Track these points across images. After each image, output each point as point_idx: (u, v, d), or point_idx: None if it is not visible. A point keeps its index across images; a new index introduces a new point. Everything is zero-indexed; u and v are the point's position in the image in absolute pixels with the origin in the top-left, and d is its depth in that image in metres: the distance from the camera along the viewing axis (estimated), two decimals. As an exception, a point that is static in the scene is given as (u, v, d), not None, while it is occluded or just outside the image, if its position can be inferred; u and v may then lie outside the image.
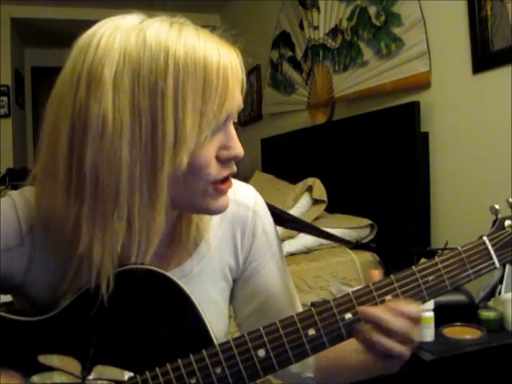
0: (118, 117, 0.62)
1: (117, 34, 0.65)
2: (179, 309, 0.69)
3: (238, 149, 0.70)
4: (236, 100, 0.69)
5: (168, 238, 0.72)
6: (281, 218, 0.85)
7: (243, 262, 0.83)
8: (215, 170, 0.68)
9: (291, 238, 2.60)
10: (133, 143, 0.63)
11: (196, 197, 0.69)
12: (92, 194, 0.64)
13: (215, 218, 0.80)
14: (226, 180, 0.71)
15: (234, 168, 0.72)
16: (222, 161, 0.69)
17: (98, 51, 0.64)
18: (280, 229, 2.71)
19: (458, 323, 1.56)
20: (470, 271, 0.74)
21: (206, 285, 0.79)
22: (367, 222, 2.57)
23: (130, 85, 0.62)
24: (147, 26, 0.65)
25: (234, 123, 0.71)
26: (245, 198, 0.83)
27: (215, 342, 0.68)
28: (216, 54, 0.65)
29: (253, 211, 0.83)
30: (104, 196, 0.64)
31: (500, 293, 1.67)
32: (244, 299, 0.85)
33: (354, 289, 0.72)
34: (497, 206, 0.78)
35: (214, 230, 0.80)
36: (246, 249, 0.82)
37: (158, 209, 0.65)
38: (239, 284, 0.85)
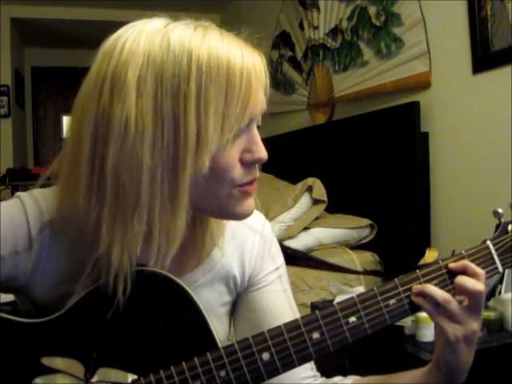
0: (140, 119, 0.62)
1: (141, 38, 0.65)
2: (184, 313, 0.69)
3: (261, 152, 0.70)
4: (259, 103, 0.69)
5: (182, 243, 0.72)
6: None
7: (248, 279, 0.83)
8: (239, 174, 0.68)
9: (291, 237, 2.60)
10: (155, 146, 0.63)
11: (221, 200, 0.69)
12: (113, 196, 0.64)
13: (227, 235, 0.81)
14: (251, 182, 0.71)
15: (257, 173, 0.71)
16: (246, 164, 0.69)
17: (122, 55, 0.64)
18: (279, 227, 2.72)
19: (458, 323, 1.56)
20: None
21: (211, 295, 0.80)
22: (367, 222, 2.57)
23: (153, 88, 0.63)
24: (171, 30, 0.66)
25: (258, 126, 0.71)
26: (254, 223, 0.84)
27: (219, 345, 0.68)
28: (240, 58, 0.65)
29: (260, 235, 0.84)
30: (124, 199, 0.64)
31: (500, 293, 1.67)
32: (244, 314, 0.84)
33: (358, 292, 0.72)
34: (500, 210, 0.78)
35: (225, 245, 0.80)
36: (252, 268, 0.83)
37: (178, 213, 0.65)
38: (242, 299, 0.84)
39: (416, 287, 0.72)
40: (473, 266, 0.73)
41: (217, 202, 0.70)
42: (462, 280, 0.72)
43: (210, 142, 0.64)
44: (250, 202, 0.72)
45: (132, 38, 0.65)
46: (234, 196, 0.69)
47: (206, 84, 0.63)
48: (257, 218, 0.85)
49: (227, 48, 0.65)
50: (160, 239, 0.66)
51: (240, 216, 0.73)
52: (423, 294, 0.72)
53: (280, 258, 0.87)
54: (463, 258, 0.75)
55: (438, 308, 0.72)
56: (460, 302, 0.72)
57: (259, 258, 0.83)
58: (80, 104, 0.67)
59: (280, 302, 0.84)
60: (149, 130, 0.63)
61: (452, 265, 0.74)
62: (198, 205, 0.68)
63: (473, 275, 0.72)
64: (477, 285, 0.71)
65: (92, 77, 0.67)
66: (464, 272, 0.73)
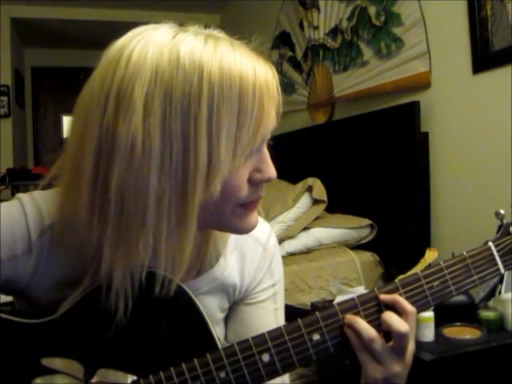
0: (147, 141, 0.59)
1: (149, 50, 0.61)
2: (185, 315, 0.69)
3: (271, 172, 0.67)
4: (271, 123, 0.66)
5: None
6: None
7: (245, 290, 0.82)
8: (246, 193, 0.66)
9: (291, 237, 2.60)
10: (162, 169, 0.60)
11: (224, 218, 0.67)
12: (116, 218, 0.61)
13: (230, 245, 0.80)
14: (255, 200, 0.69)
15: (263, 191, 0.69)
16: (255, 183, 0.67)
17: (128, 68, 0.60)
18: (279, 227, 2.72)
19: (458, 323, 1.56)
20: (475, 277, 0.74)
21: (212, 302, 0.79)
22: (367, 221, 2.57)
23: (162, 107, 0.59)
24: (180, 42, 0.62)
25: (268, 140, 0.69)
26: (259, 234, 0.82)
27: (219, 346, 0.68)
28: (252, 75, 0.62)
29: (264, 248, 0.82)
30: (129, 222, 0.61)
31: (500, 293, 1.67)
32: (231, 323, 0.84)
33: (359, 293, 0.72)
34: (502, 211, 0.78)
35: (228, 255, 0.79)
36: (250, 280, 0.82)
37: (186, 238, 0.63)
38: (233, 308, 0.84)
39: (348, 317, 0.69)
40: (403, 303, 0.69)
41: (220, 220, 0.68)
42: (387, 317, 0.68)
43: (222, 166, 0.61)
44: (253, 218, 0.70)
45: (139, 50, 0.61)
46: (236, 214, 0.68)
47: (219, 105, 0.60)
48: (263, 230, 0.83)
49: (239, 64, 0.62)
50: (166, 265, 0.64)
51: (244, 231, 0.71)
52: (352, 328, 0.68)
53: (279, 273, 0.86)
54: (465, 259, 0.74)
55: (363, 344, 0.68)
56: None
57: (258, 271, 0.82)
58: (82, 114, 0.64)
59: (268, 322, 0.83)
60: (156, 151, 0.59)
61: (383, 297, 0.70)
62: (202, 224, 0.66)
63: (401, 313, 0.69)
64: (401, 325, 0.67)
65: (95, 87, 0.63)
66: (393, 307, 0.70)
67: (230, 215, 0.67)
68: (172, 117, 0.59)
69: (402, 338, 0.67)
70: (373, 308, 0.70)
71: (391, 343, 0.68)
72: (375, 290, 0.71)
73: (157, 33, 0.63)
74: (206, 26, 0.67)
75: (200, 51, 0.61)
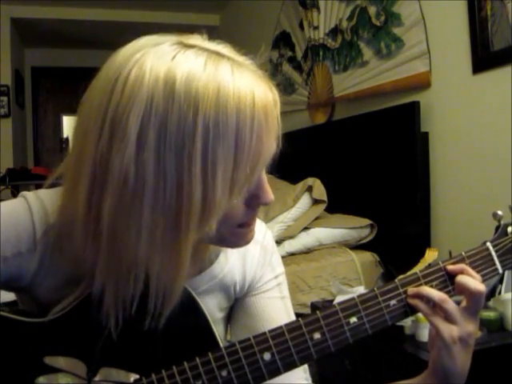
0: (140, 175, 0.57)
1: (145, 75, 0.58)
2: (187, 314, 0.69)
3: (268, 197, 0.66)
4: (270, 152, 0.64)
5: None
6: None
7: (247, 287, 0.83)
8: (242, 216, 0.66)
9: (291, 237, 2.60)
10: (155, 204, 0.58)
11: (222, 237, 0.67)
12: (108, 248, 0.61)
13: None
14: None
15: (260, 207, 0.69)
16: (251, 207, 0.66)
17: (124, 94, 0.58)
18: (279, 227, 2.72)
19: (458, 323, 1.56)
20: None
21: (211, 301, 0.80)
22: (367, 221, 2.58)
23: (156, 141, 0.57)
24: (179, 64, 0.58)
25: None
26: (256, 233, 0.81)
27: (221, 345, 0.68)
28: (250, 106, 0.59)
29: (261, 245, 0.83)
30: (121, 254, 0.60)
31: (500, 293, 1.67)
32: (241, 319, 0.84)
33: (358, 292, 0.72)
34: (499, 212, 0.79)
35: (228, 255, 0.80)
36: (252, 277, 0.83)
37: (179, 272, 0.62)
38: (239, 304, 0.84)
39: (411, 289, 0.73)
40: (470, 270, 0.74)
41: (218, 239, 0.68)
42: (463, 279, 0.72)
43: (218, 206, 0.59)
44: (251, 234, 0.71)
45: (135, 74, 0.58)
46: (235, 233, 0.68)
47: (214, 144, 0.57)
48: (258, 229, 0.83)
49: (237, 96, 0.58)
50: (157, 297, 0.63)
51: (240, 246, 0.73)
52: (419, 296, 0.72)
53: (280, 268, 0.87)
54: (463, 259, 0.75)
55: (434, 308, 0.72)
56: (457, 304, 0.72)
57: (259, 268, 0.83)
58: (83, 124, 0.62)
59: (277, 309, 0.83)
60: (149, 186, 0.57)
61: (450, 267, 0.74)
62: (198, 240, 0.65)
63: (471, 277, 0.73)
64: (478, 285, 0.71)
65: (94, 102, 0.61)
66: (461, 274, 0.74)
67: (229, 235, 0.68)
68: (166, 151, 0.57)
69: (480, 297, 0.71)
70: (374, 306, 0.71)
71: (464, 304, 0.72)
72: (375, 289, 0.72)
73: (156, 51, 0.60)
74: (210, 38, 0.64)
75: (197, 80, 0.58)
